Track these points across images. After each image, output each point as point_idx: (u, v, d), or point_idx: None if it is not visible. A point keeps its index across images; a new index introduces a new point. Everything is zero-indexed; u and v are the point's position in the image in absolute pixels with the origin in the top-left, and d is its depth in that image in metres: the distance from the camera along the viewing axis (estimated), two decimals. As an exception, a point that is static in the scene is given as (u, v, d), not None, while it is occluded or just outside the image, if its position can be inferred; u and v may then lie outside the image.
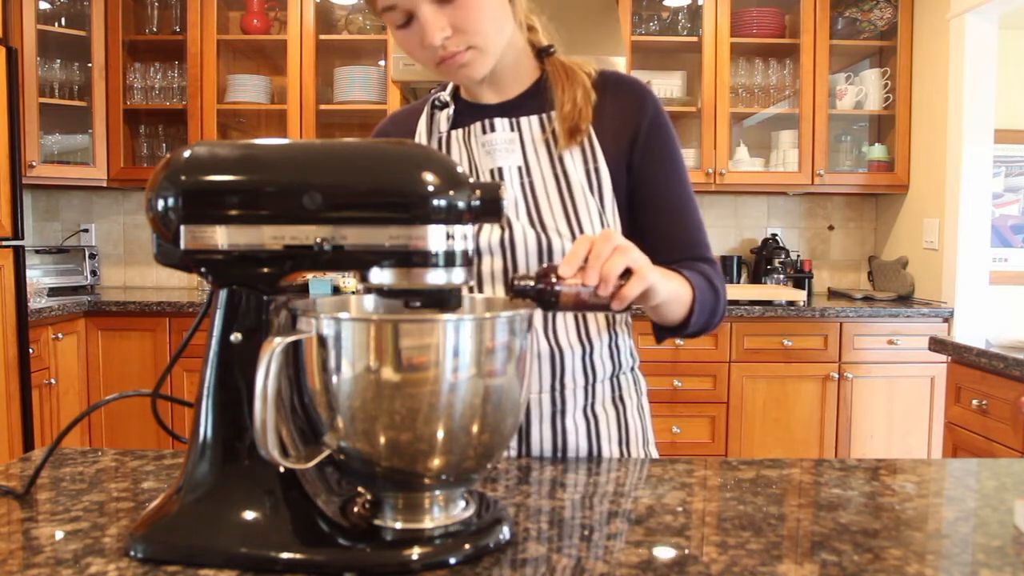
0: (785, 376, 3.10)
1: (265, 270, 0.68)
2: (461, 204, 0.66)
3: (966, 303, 3.12)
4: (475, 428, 0.67)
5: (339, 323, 0.65)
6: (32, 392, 2.62)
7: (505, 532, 0.70)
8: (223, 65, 3.43)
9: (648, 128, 1.05)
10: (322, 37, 3.33)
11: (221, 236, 0.68)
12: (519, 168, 1.04)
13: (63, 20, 3.29)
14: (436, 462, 0.67)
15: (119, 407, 2.99)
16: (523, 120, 1.06)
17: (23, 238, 2.61)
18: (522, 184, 1.04)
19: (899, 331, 3.09)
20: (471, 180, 0.68)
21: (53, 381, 2.84)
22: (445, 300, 0.69)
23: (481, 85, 1.07)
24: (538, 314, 1.02)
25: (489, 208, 0.68)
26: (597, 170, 1.04)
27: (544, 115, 1.06)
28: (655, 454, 1.15)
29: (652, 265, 0.83)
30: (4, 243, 2.54)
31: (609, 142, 1.05)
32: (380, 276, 0.67)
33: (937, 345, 2.33)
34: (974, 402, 2.17)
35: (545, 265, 0.88)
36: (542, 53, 1.08)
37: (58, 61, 3.25)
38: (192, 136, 3.32)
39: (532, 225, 1.02)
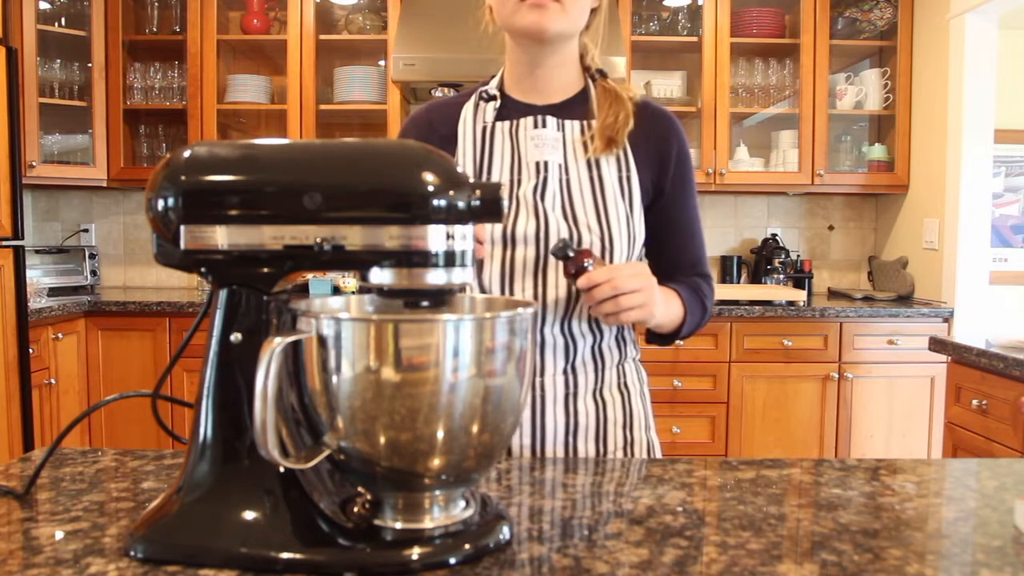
0: (785, 376, 3.10)
1: (265, 270, 0.68)
2: (461, 204, 0.66)
3: (966, 303, 3.12)
4: (475, 428, 0.67)
5: (339, 323, 0.65)
6: (32, 392, 2.62)
7: (505, 532, 0.70)
8: (223, 65, 3.43)
9: (677, 158, 1.17)
10: (322, 37, 3.33)
11: (221, 236, 0.68)
12: (559, 165, 1.13)
13: (63, 20, 3.29)
14: (436, 462, 0.67)
15: (119, 407, 2.99)
16: (567, 123, 1.15)
17: (23, 238, 2.61)
18: (560, 180, 1.13)
19: (899, 331, 3.09)
20: (471, 180, 0.68)
21: (53, 381, 2.84)
22: (440, 299, 0.69)
23: (530, 84, 1.17)
24: (560, 305, 1.11)
25: (489, 208, 0.68)
26: (629, 179, 1.14)
27: (585, 123, 1.16)
28: (656, 440, 1.22)
29: (657, 298, 1.03)
30: (4, 243, 2.54)
31: (643, 162, 1.16)
32: (380, 276, 0.67)
33: (937, 345, 2.33)
34: (974, 402, 2.17)
35: (585, 247, 1.08)
36: (592, 73, 1.19)
37: (58, 61, 3.25)
38: (192, 136, 3.32)
39: (565, 219, 1.11)
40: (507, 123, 1.15)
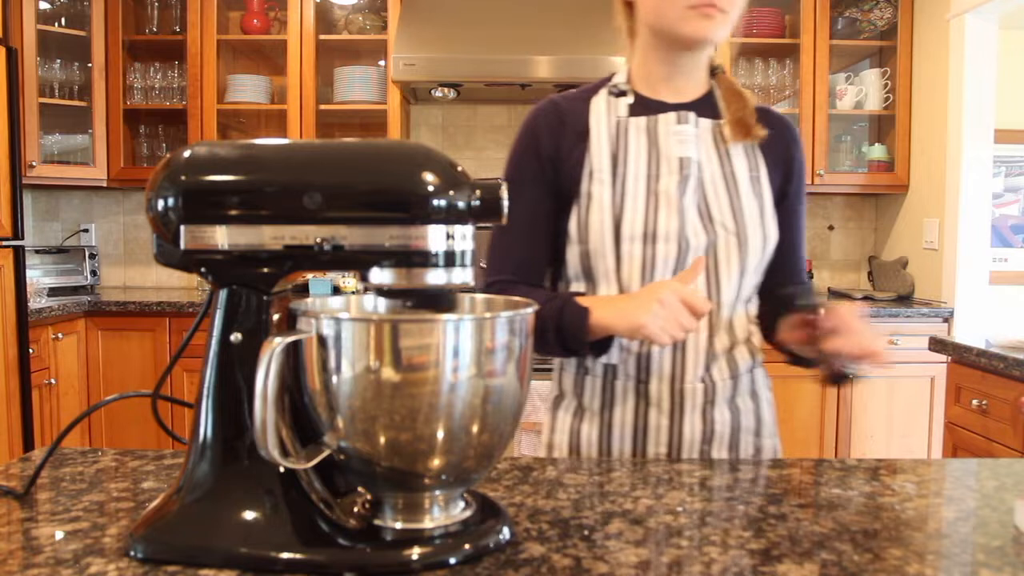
0: (785, 376, 3.08)
1: (265, 270, 0.68)
2: (461, 204, 0.66)
3: (966, 303, 3.12)
4: (475, 428, 0.67)
5: (339, 323, 0.65)
6: (32, 392, 2.62)
7: (505, 532, 0.70)
8: (223, 65, 3.42)
9: (798, 166, 1.19)
10: (322, 37, 3.33)
11: (221, 236, 0.68)
12: (697, 162, 1.12)
13: (63, 20, 3.29)
14: (436, 462, 0.67)
15: (119, 407, 2.99)
16: (701, 121, 1.15)
17: (23, 238, 2.60)
18: (698, 176, 1.12)
19: (899, 331, 3.09)
20: (471, 180, 0.68)
21: (53, 381, 2.84)
22: (439, 300, 0.69)
23: (665, 85, 1.16)
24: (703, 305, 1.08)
25: (489, 208, 0.68)
26: (759, 178, 1.14)
27: (716, 123, 1.16)
28: (779, 444, 1.22)
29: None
30: (4, 243, 2.54)
31: (772, 164, 1.16)
32: (380, 276, 0.67)
33: (937, 345, 2.33)
34: (974, 402, 2.17)
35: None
36: (715, 70, 1.20)
37: (58, 61, 3.25)
38: (192, 136, 3.32)
39: (701, 217, 1.11)
40: (643, 119, 1.14)
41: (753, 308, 1.19)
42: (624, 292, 1.10)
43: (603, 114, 1.15)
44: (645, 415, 1.12)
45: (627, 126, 1.14)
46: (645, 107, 1.16)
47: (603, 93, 1.17)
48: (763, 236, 1.12)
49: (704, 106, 1.16)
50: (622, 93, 1.17)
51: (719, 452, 1.13)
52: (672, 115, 1.13)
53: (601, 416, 1.14)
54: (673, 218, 1.09)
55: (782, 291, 1.17)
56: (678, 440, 1.12)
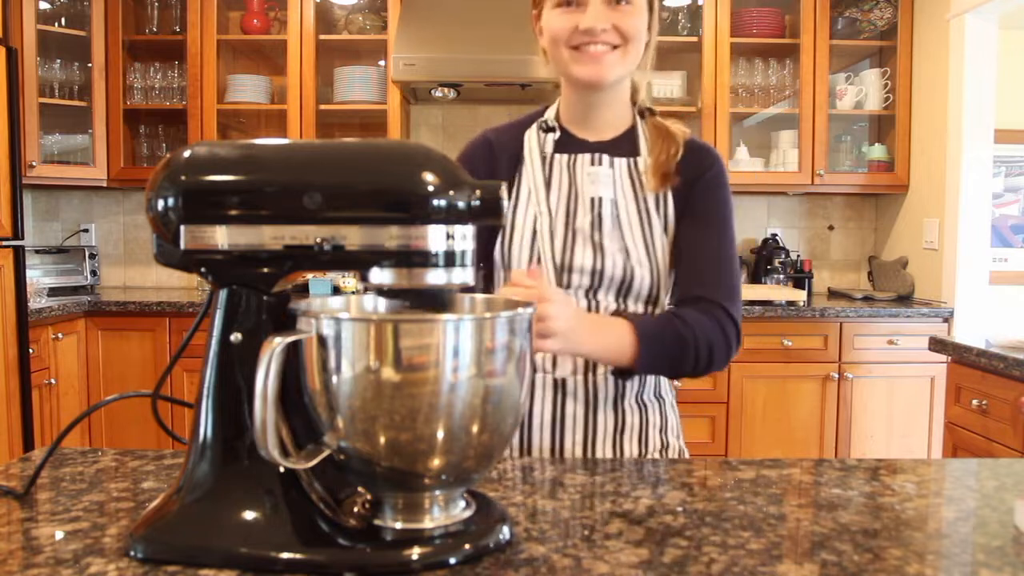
0: (785, 376, 3.09)
1: (265, 270, 0.68)
2: (461, 204, 0.66)
3: (966, 303, 3.12)
4: (475, 428, 0.67)
5: (339, 323, 0.65)
6: (32, 392, 2.62)
7: (505, 532, 0.70)
8: (223, 65, 3.42)
9: (705, 184, 1.17)
10: (322, 37, 3.33)
11: (221, 236, 0.68)
12: (612, 201, 1.17)
13: (63, 20, 3.29)
14: (436, 462, 0.67)
15: (119, 407, 2.99)
16: (617, 161, 1.19)
17: (23, 238, 2.60)
18: (612, 215, 1.16)
19: (899, 331, 3.09)
20: (471, 180, 0.68)
21: (53, 381, 2.84)
22: (438, 299, 0.69)
23: (584, 122, 1.20)
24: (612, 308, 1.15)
25: (489, 208, 0.68)
26: (666, 213, 1.17)
27: (632, 160, 1.19)
28: (686, 448, 1.27)
29: (571, 334, 0.97)
30: (4, 243, 2.54)
31: (676, 196, 1.18)
32: (380, 276, 0.67)
33: (937, 345, 2.33)
34: (974, 402, 2.17)
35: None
36: (642, 111, 1.23)
37: (58, 61, 3.25)
38: (192, 136, 3.31)
39: (620, 253, 1.14)
40: (565, 156, 1.19)
41: None
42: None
43: (536, 146, 1.20)
44: (563, 406, 1.15)
45: (552, 162, 1.19)
46: (568, 144, 1.20)
47: (534, 128, 1.22)
48: (668, 265, 1.17)
49: (623, 144, 1.20)
50: (550, 129, 1.21)
51: (631, 444, 1.17)
52: (587, 156, 1.18)
53: None
54: (587, 252, 1.14)
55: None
56: (593, 431, 1.15)
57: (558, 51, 1.12)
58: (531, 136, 1.22)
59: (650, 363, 1.07)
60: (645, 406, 1.19)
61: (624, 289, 1.15)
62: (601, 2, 1.07)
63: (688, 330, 1.08)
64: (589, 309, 1.15)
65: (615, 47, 1.10)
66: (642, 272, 1.14)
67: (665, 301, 1.19)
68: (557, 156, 1.20)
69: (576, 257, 1.14)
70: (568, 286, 1.15)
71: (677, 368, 1.10)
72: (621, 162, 1.18)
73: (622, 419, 1.17)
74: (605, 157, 1.18)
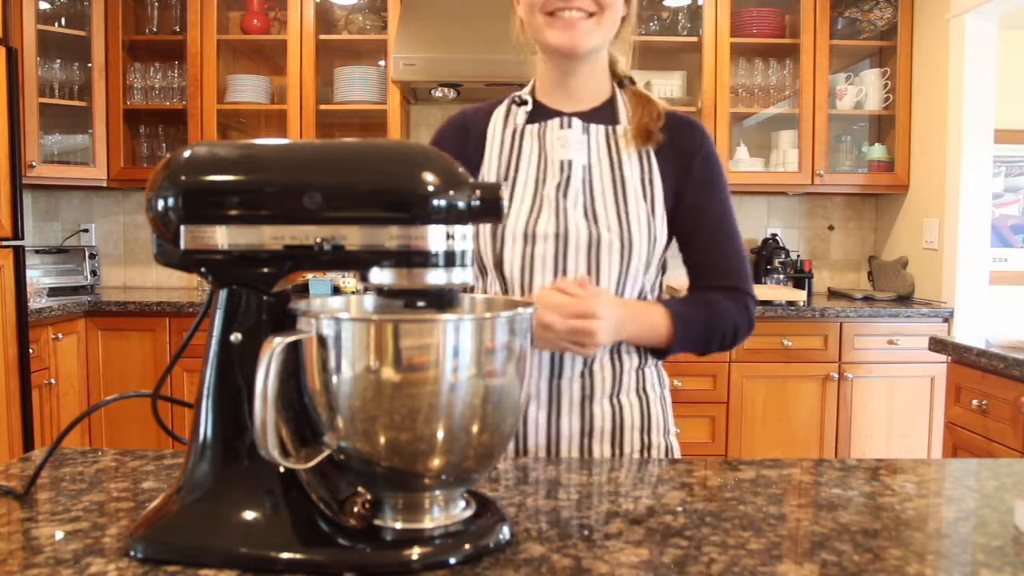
0: (785, 376, 3.09)
1: (265, 270, 0.68)
2: (461, 204, 0.66)
3: (966, 303, 3.12)
4: (475, 428, 0.67)
5: (339, 323, 0.65)
6: (32, 392, 2.62)
7: (505, 532, 0.70)
8: (223, 65, 3.42)
9: (702, 161, 1.17)
10: (322, 37, 3.33)
11: (221, 236, 0.68)
12: (583, 166, 1.15)
13: (63, 20, 3.29)
14: (436, 462, 0.67)
15: (119, 407, 2.99)
16: (592, 126, 1.17)
17: (23, 238, 2.60)
18: (583, 180, 1.14)
19: (899, 331, 3.09)
20: (471, 180, 0.68)
21: (53, 381, 2.84)
22: (443, 299, 0.69)
23: (561, 92, 1.19)
24: None
25: (489, 208, 0.68)
26: (652, 181, 1.15)
27: (611, 127, 1.17)
28: (675, 444, 1.23)
29: (610, 324, 1.03)
30: (4, 243, 2.54)
31: (666, 168, 1.16)
32: (380, 276, 0.67)
33: (937, 345, 2.33)
34: (974, 402, 2.17)
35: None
36: (622, 81, 1.22)
37: (58, 61, 3.25)
38: (192, 136, 3.31)
39: (586, 217, 1.13)
40: (536, 125, 1.18)
41: None
42: (507, 286, 1.14)
43: (500, 124, 1.20)
44: (525, 409, 1.12)
45: (523, 133, 1.19)
46: (541, 115, 1.19)
47: (506, 103, 1.22)
48: (650, 238, 1.14)
49: (602, 113, 1.19)
50: (523, 103, 1.21)
51: (600, 447, 1.15)
52: (556, 120, 1.17)
53: None
54: (551, 219, 1.12)
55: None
56: (556, 434, 1.14)
57: (533, 17, 1.11)
58: (499, 112, 1.21)
59: (683, 346, 1.15)
60: (620, 406, 1.16)
61: (593, 255, 1.12)
62: None
63: (718, 316, 1.15)
64: (555, 273, 1.12)
65: (591, 14, 1.09)
66: (610, 237, 1.11)
67: (641, 273, 1.16)
68: (528, 127, 1.18)
69: (540, 224, 1.12)
70: (532, 255, 1.12)
71: (705, 349, 1.17)
72: (599, 128, 1.17)
73: (589, 423, 1.14)
74: (576, 121, 1.16)
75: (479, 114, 1.23)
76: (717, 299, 1.16)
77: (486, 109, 1.24)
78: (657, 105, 1.18)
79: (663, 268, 1.23)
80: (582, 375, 1.13)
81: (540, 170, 1.16)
